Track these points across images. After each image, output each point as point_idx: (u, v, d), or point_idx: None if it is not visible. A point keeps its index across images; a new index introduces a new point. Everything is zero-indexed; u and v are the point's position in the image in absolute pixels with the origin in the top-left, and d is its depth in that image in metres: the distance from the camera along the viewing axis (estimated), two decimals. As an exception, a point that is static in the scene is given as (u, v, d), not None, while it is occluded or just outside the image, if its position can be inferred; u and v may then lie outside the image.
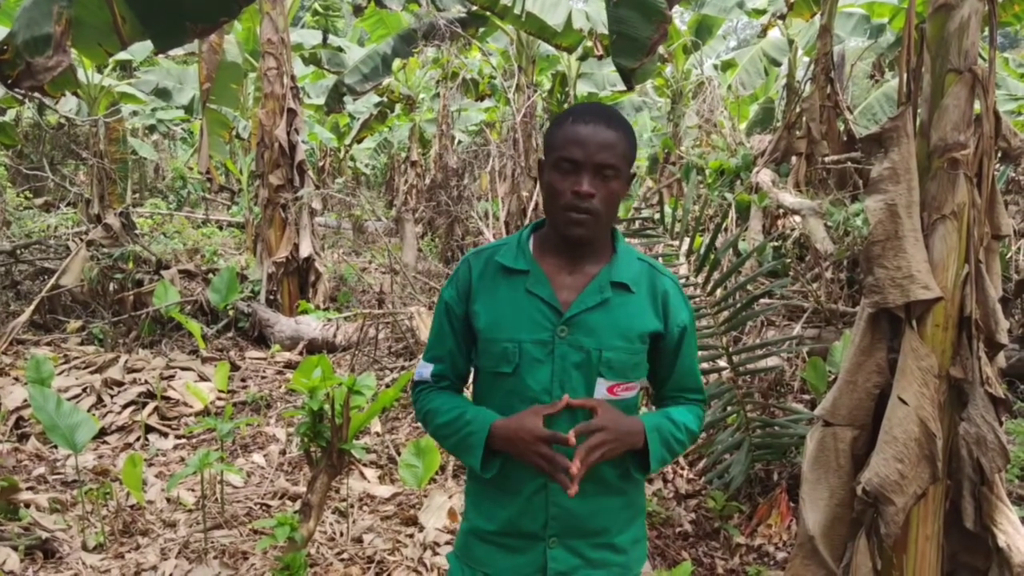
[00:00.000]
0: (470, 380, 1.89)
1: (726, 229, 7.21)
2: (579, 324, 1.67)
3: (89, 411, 5.36)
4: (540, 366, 1.67)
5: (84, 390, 5.79)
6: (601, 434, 1.59)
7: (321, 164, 18.16)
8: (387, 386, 5.49)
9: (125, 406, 5.62)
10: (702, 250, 4.18)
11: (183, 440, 5.24)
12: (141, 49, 11.03)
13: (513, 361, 1.67)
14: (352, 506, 4.16)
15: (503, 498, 1.74)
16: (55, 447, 4.93)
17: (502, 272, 1.73)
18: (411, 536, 3.85)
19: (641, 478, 1.77)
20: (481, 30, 10.50)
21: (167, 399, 5.75)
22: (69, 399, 5.23)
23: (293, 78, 8.17)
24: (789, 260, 6.36)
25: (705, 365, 4.27)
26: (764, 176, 7.27)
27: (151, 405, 5.58)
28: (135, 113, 14.35)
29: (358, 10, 10.70)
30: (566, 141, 1.63)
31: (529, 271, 1.71)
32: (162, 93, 12.72)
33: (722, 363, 4.16)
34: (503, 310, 1.70)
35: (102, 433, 5.22)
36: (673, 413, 1.79)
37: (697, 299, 4.19)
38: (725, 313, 4.10)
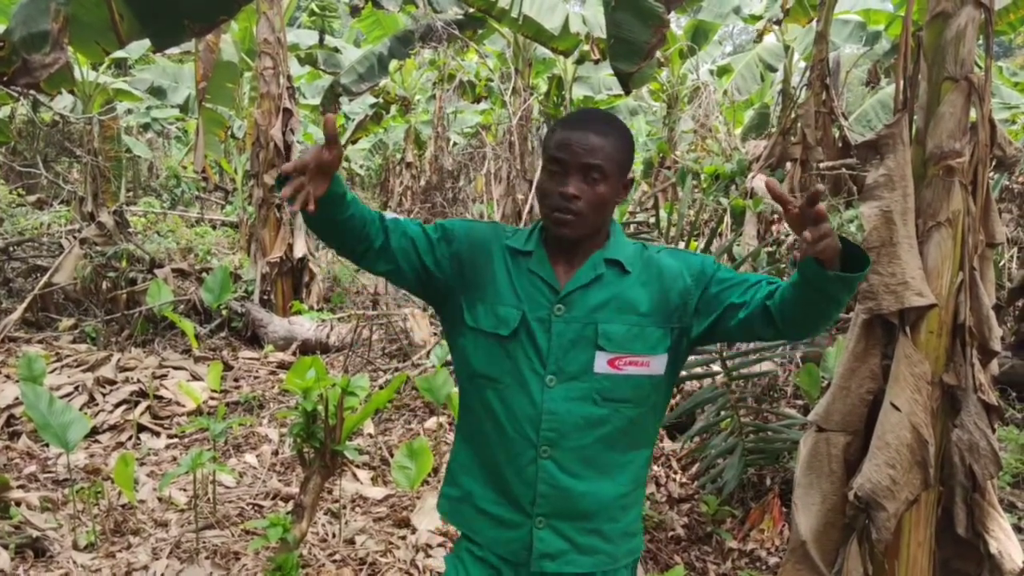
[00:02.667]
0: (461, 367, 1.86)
1: (721, 234, 7.23)
2: (574, 301, 1.72)
3: (81, 410, 5.34)
4: (536, 340, 1.72)
5: (76, 388, 5.77)
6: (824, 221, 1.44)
7: (316, 164, 18.10)
8: (380, 387, 5.48)
9: (117, 405, 5.60)
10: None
11: (175, 439, 5.22)
12: (137, 47, 11.01)
13: (512, 325, 1.72)
14: (345, 507, 4.15)
15: (494, 463, 1.76)
16: (46, 445, 4.91)
17: (510, 253, 1.79)
18: (403, 538, 3.84)
19: (857, 277, 1.51)
20: (478, 32, 10.51)
21: (159, 398, 5.73)
22: (61, 397, 5.20)
23: (289, 78, 8.16)
24: (783, 265, 6.38)
25: (699, 369, 4.28)
26: (759, 181, 7.29)
27: (143, 404, 5.56)
28: (130, 111, 14.31)
29: (355, 11, 10.71)
30: (555, 144, 1.69)
31: (533, 252, 1.77)
32: (157, 91, 12.69)
33: (716, 368, 4.17)
34: (504, 284, 1.76)
35: (94, 432, 5.19)
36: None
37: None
38: (719, 318, 4.10)
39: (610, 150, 1.67)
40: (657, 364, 1.74)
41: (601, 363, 1.70)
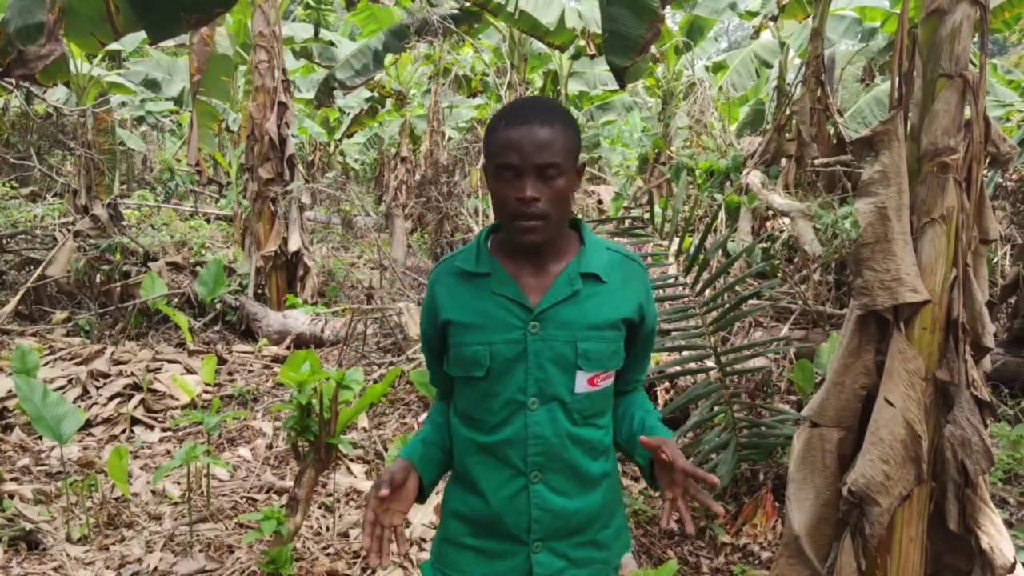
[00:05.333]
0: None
1: (715, 230, 7.24)
2: (550, 318, 1.62)
3: (74, 403, 5.33)
4: (514, 366, 1.63)
5: (70, 381, 5.76)
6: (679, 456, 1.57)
7: (311, 158, 18.07)
8: (375, 381, 5.48)
9: (111, 398, 5.59)
10: (691, 250, 4.20)
11: (169, 433, 5.22)
12: (131, 39, 10.96)
13: (484, 364, 1.63)
14: (339, 501, 4.16)
15: (480, 499, 1.70)
16: (39, 438, 4.90)
17: (464, 277, 1.68)
18: (397, 532, 3.84)
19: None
20: (474, 27, 10.50)
21: (153, 391, 5.73)
22: (54, 390, 5.19)
23: (284, 71, 8.14)
24: (778, 262, 6.40)
25: (693, 365, 4.29)
26: (754, 177, 7.31)
27: (137, 397, 5.55)
28: (124, 104, 14.24)
29: (350, 4, 10.68)
30: (502, 147, 1.55)
31: (491, 273, 1.66)
32: (151, 84, 12.64)
33: (710, 363, 4.18)
34: (469, 315, 1.66)
35: (87, 425, 5.19)
36: (653, 417, 1.76)
37: (686, 299, 4.21)
38: (713, 313, 4.11)
39: (560, 142, 1.55)
40: (615, 373, 1.74)
41: (582, 383, 1.64)
